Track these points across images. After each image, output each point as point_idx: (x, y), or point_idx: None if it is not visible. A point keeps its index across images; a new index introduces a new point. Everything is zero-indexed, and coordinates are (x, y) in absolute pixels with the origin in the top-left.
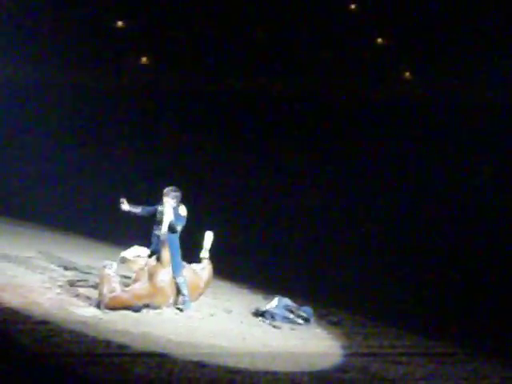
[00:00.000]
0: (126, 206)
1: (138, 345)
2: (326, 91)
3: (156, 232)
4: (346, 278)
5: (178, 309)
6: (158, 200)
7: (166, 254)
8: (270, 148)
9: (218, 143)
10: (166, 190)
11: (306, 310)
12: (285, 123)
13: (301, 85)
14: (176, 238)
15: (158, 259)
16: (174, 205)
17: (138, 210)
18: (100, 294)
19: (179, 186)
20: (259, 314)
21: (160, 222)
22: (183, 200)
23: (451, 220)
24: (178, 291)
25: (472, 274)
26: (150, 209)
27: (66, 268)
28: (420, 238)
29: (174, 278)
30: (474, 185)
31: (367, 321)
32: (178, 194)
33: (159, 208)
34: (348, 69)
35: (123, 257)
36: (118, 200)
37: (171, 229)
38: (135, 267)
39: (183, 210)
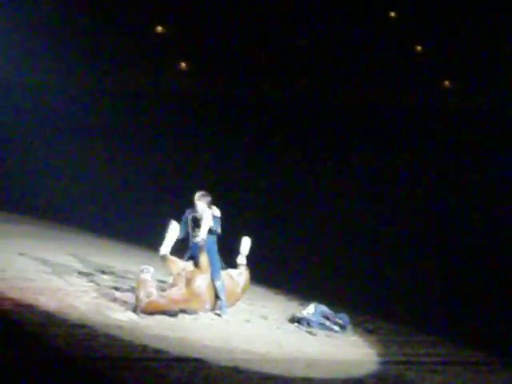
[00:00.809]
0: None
1: (174, 350)
2: (364, 98)
3: (194, 238)
4: (382, 285)
5: (216, 314)
6: (184, 209)
7: (204, 259)
8: (308, 153)
9: (256, 148)
10: (198, 196)
11: (342, 317)
12: (322, 129)
13: (339, 92)
14: (214, 242)
15: (196, 264)
16: (206, 209)
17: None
18: (137, 299)
19: (215, 190)
20: (295, 320)
21: (196, 228)
22: (215, 203)
23: (486, 226)
24: (215, 296)
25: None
26: (183, 223)
27: (102, 272)
28: (458, 245)
29: (213, 281)
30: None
31: (403, 328)
32: (210, 197)
33: (190, 215)
34: (388, 76)
35: (164, 255)
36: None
37: (210, 232)
38: (174, 268)
39: (217, 212)
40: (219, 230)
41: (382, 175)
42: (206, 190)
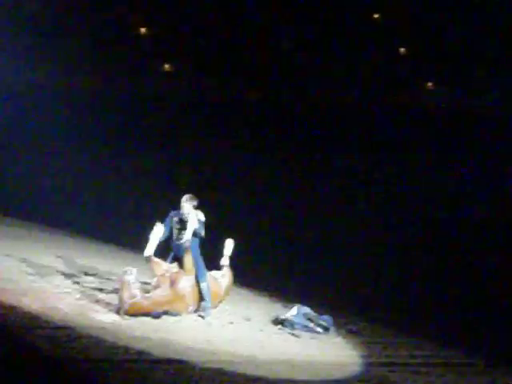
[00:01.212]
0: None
1: (157, 351)
2: (350, 99)
3: (178, 240)
4: (366, 288)
5: (199, 316)
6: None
7: (189, 260)
8: (295, 154)
9: (236, 150)
10: (185, 198)
11: (326, 319)
12: (309, 130)
13: (325, 92)
14: (197, 244)
15: (181, 266)
16: (191, 212)
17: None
18: (120, 300)
19: (197, 191)
20: (278, 322)
21: (181, 230)
22: (200, 207)
23: (472, 227)
24: (199, 298)
25: (493, 283)
26: (167, 224)
27: (86, 273)
28: (441, 246)
29: (198, 283)
30: (500, 191)
31: (386, 330)
32: (196, 201)
33: (176, 217)
34: (370, 78)
35: (148, 256)
36: (140, 208)
37: (194, 235)
38: (158, 269)
39: (201, 216)
40: (203, 233)
41: (370, 175)
42: (192, 194)
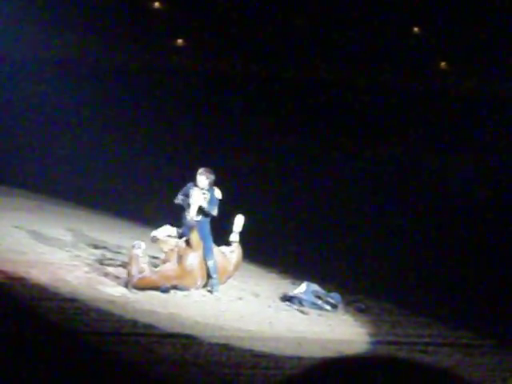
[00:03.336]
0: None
1: (165, 325)
2: (362, 81)
3: (186, 217)
4: (374, 265)
5: (207, 291)
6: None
7: (195, 237)
8: (307, 133)
9: (250, 126)
10: (200, 170)
11: (334, 297)
12: (319, 109)
13: (337, 73)
14: (207, 221)
15: (188, 242)
16: (207, 187)
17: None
18: (128, 274)
19: (212, 167)
20: (287, 298)
21: (189, 206)
22: (217, 183)
23: (483, 211)
24: (207, 274)
25: (505, 264)
26: (183, 193)
27: (95, 246)
28: (452, 226)
29: (205, 260)
30: None
31: (395, 308)
32: (212, 176)
33: (189, 193)
34: (384, 59)
35: (154, 236)
36: (152, 182)
37: (204, 214)
38: (166, 247)
39: (218, 193)
40: (215, 213)
41: (381, 159)
42: (207, 168)
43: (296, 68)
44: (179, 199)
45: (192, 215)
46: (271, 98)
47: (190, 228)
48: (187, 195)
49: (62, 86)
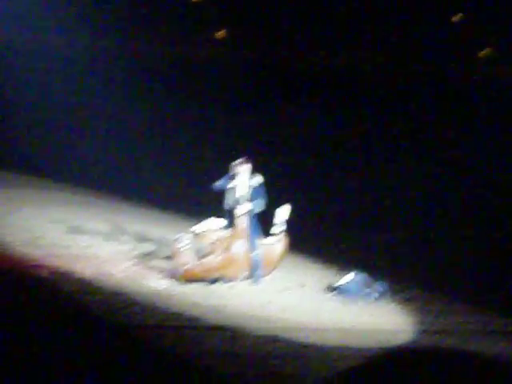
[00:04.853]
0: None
1: (211, 318)
2: (400, 67)
3: (230, 205)
4: (421, 254)
5: (252, 282)
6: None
7: (240, 228)
8: (351, 118)
9: (293, 114)
10: (237, 163)
11: (380, 286)
12: (361, 95)
13: (374, 59)
14: (252, 212)
15: (233, 231)
16: (247, 176)
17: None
18: (173, 267)
19: (253, 156)
20: (332, 289)
21: (233, 195)
22: (259, 173)
23: None
24: (252, 265)
25: None
26: (224, 180)
27: (139, 240)
28: (499, 213)
29: (250, 251)
30: None
31: (440, 297)
32: (250, 165)
33: (230, 183)
34: (424, 45)
35: (197, 230)
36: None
37: (249, 201)
38: (209, 240)
39: (259, 180)
40: (260, 200)
41: (424, 137)
42: (245, 157)
43: (335, 57)
44: (219, 186)
45: (240, 205)
46: (314, 88)
47: (235, 219)
48: (228, 186)
49: (103, 78)
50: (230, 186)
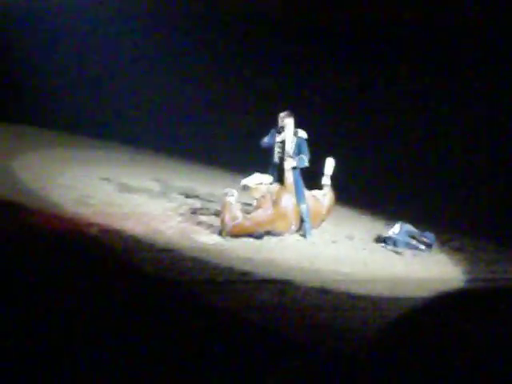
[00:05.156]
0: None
1: (261, 271)
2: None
3: (277, 159)
4: (468, 203)
5: (301, 235)
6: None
7: (290, 179)
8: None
9: (342, 71)
10: (283, 114)
11: (428, 236)
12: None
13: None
14: (298, 165)
15: (282, 185)
16: (292, 130)
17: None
18: (222, 222)
19: (299, 112)
20: (381, 240)
21: (280, 149)
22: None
23: None
24: (301, 218)
25: None
26: (270, 136)
27: (187, 196)
28: None
29: (297, 205)
30: None
31: (490, 246)
32: (294, 118)
33: (276, 134)
34: None
35: (245, 184)
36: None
37: (295, 156)
38: (257, 195)
39: (303, 134)
40: (306, 157)
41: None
42: (290, 110)
43: (379, 14)
44: (267, 142)
45: (286, 164)
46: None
47: (283, 173)
48: (275, 140)
49: (141, 37)
50: (277, 139)
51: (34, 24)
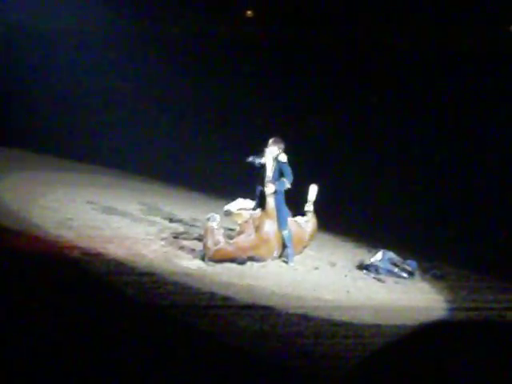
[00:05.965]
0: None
1: (242, 297)
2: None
3: (259, 185)
4: (450, 232)
5: (283, 261)
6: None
7: (270, 207)
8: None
9: (316, 99)
10: (271, 140)
11: (411, 264)
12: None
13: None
14: (281, 191)
15: (264, 211)
16: (275, 155)
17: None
18: (204, 247)
19: (283, 136)
20: (363, 267)
21: (262, 174)
22: (288, 152)
23: None
24: (283, 244)
25: None
26: (258, 157)
27: (170, 220)
28: None
29: (280, 231)
30: None
31: (472, 274)
32: (283, 145)
33: (262, 161)
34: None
35: (227, 210)
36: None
37: (278, 180)
38: (239, 220)
39: (283, 158)
40: (288, 181)
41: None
42: (278, 137)
43: (364, 33)
44: (250, 160)
45: (270, 187)
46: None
47: (265, 198)
48: (257, 162)
49: (132, 59)
50: (259, 162)
51: (21, 47)
